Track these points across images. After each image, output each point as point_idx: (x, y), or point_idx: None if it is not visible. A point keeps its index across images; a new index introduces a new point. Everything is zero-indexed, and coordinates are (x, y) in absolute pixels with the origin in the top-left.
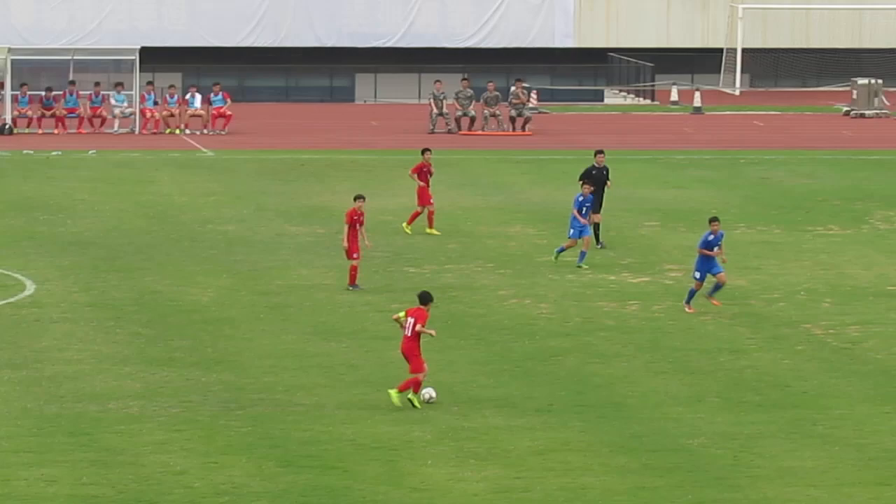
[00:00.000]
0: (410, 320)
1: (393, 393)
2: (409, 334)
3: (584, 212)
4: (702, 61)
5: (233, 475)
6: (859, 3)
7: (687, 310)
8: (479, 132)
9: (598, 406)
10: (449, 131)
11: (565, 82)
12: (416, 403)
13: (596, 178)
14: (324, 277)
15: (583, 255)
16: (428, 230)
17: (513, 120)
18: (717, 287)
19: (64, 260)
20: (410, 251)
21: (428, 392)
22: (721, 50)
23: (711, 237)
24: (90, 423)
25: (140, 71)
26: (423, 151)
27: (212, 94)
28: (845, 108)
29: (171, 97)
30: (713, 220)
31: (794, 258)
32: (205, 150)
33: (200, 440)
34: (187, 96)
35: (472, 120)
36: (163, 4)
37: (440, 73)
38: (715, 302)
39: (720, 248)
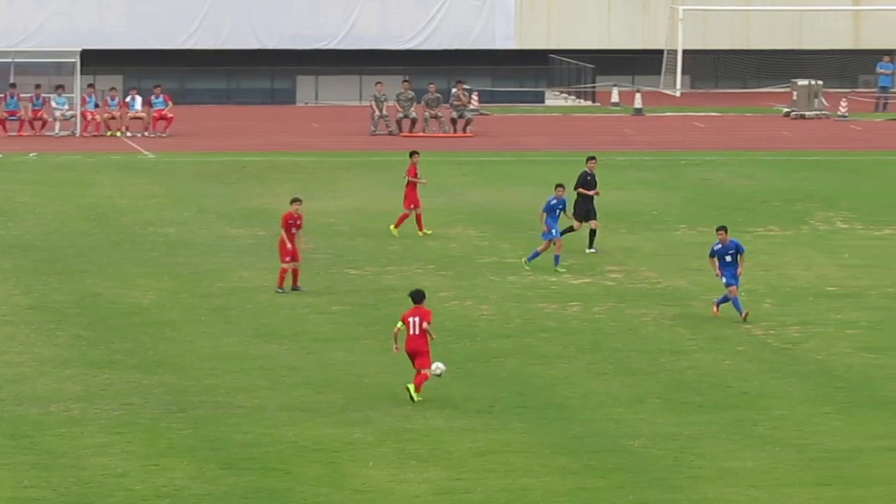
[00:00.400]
0: (416, 319)
1: (414, 394)
2: (417, 333)
3: (557, 214)
4: (642, 63)
5: (174, 477)
6: (799, 4)
7: (714, 311)
8: (421, 134)
9: (539, 407)
10: (390, 133)
11: (506, 84)
12: (415, 398)
13: (591, 185)
14: (265, 280)
15: (557, 257)
16: (419, 231)
17: (454, 122)
18: (726, 299)
19: (4, 263)
20: (351, 253)
21: (438, 367)
22: (662, 51)
23: (719, 247)
24: (31, 426)
25: (81, 73)
26: (412, 154)
27: (153, 97)
28: (785, 110)
29: (112, 100)
30: (719, 229)
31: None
32: (146, 152)
33: (141, 443)
34: (128, 99)
35: (414, 122)
36: (104, 7)
37: (381, 74)
38: (716, 311)
39: (741, 258)
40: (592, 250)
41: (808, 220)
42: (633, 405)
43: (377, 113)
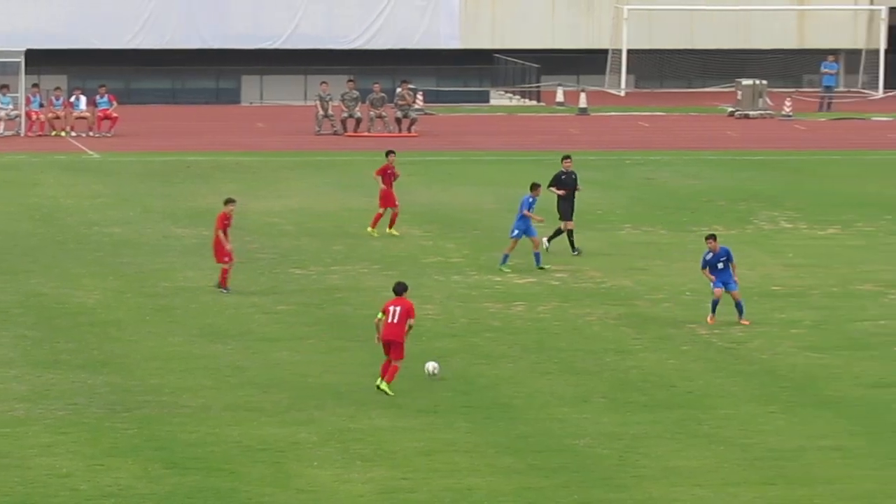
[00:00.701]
0: (396, 308)
1: (384, 385)
2: (396, 321)
3: (528, 210)
4: (587, 62)
5: (119, 477)
6: (743, 4)
7: (709, 321)
8: (365, 133)
9: (483, 407)
10: (335, 133)
11: (451, 84)
12: (389, 391)
13: (566, 183)
14: (210, 279)
15: (537, 256)
16: (388, 230)
17: (399, 121)
18: (738, 306)
19: None
20: (296, 253)
21: (431, 365)
22: (606, 51)
23: (710, 256)
24: None
25: (25, 73)
26: (388, 153)
27: (97, 97)
28: (730, 109)
29: (57, 99)
30: (708, 237)
31: (680, 259)
32: (91, 152)
33: (86, 442)
34: (73, 98)
35: (358, 121)
36: (49, 6)
37: (326, 74)
38: (744, 322)
39: (732, 265)
40: (576, 252)
41: (752, 220)
42: (578, 405)
43: (322, 112)
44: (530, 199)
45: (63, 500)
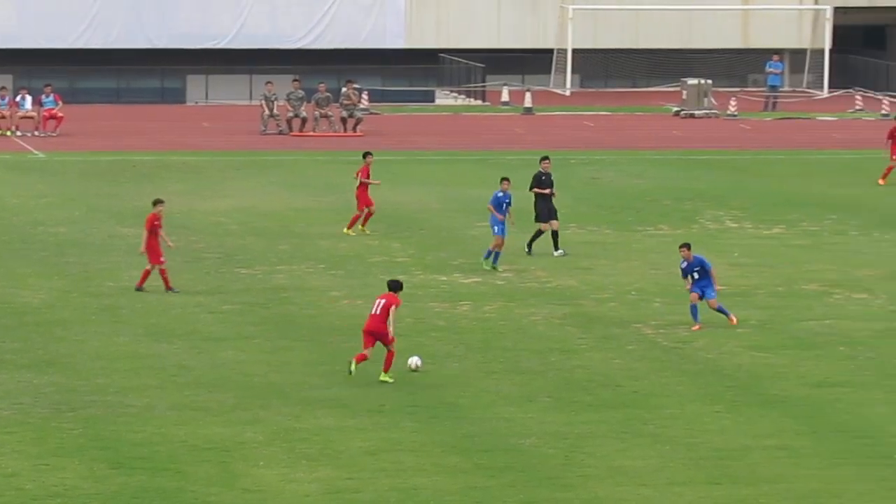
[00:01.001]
0: (382, 301)
1: (385, 377)
2: (378, 313)
3: (503, 208)
4: (532, 62)
5: (64, 477)
6: (688, 3)
7: (693, 328)
8: (311, 133)
9: (429, 406)
10: (280, 132)
11: (396, 83)
12: (389, 379)
13: (546, 184)
14: (155, 279)
15: (496, 255)
16: (360, 227)
17: (344, 121)
18: (720, 310)
19: None
20: (242, 252)
21: (414, 361)
22: (552, 51)
23: (685, 265)
24: None
25: None
26: (365, 155)
27: (43, 96)
28: (675, 109)
29: (2, 99)
30: (682, 246)
31: (625, 258)
32: (36, 151)
33: (32, 442)
34: (18, 98)
35: (304, 121)
36: None
37: (271, 74)
38: (732, 320)
39: (710, 273)
40: (560, 252)
41: (697, 219)
42: (524, 404)
43: (267, 112)
44: (500, 194)
45: (8, 499)
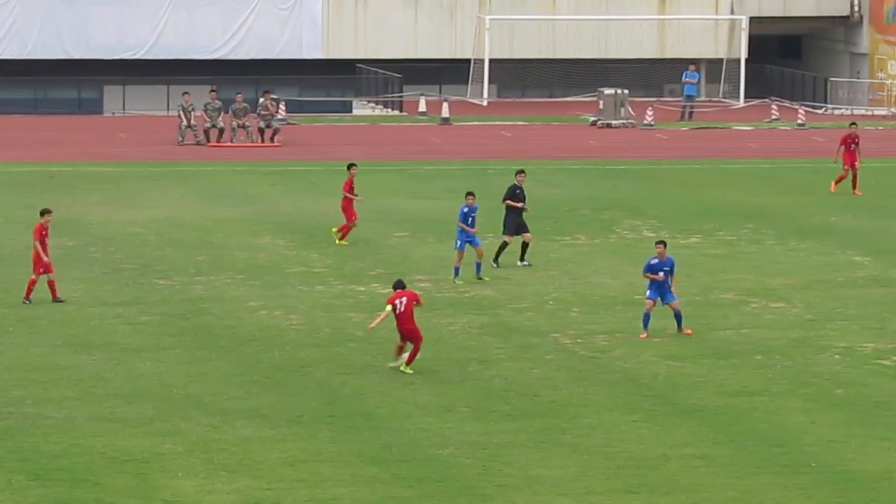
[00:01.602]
0: (404, 299)
1: (406, 369)
2: (404, 310)
3: (469, 222)
4: (449, 72)
5: None
6: (604, 14)
7: (641, 336)
8: (228, 144)
9: (348, 416)
10: (198, 143)
11: (314, 93)
12: (409, 370)
13: (520, 198)
14: (73, 290)
15: (478, 266)
16: (337, 240)
17: (261, 131)
18: (677, 316)
19: None
20: (160, 263)
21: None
22: (469, 61)
23: (655, 261)
24: None
25: None
26: (349, 167)
27: None
28: (592, 119)
29: None
30: (658, 243)
31: (543, 268)
32: None
33: None
34: None
35: (221, 132)
36: None
37: (189, 84)
38: (686, 331)
39: (672, 276)
40: (524, 263)
41: (615, 229)
42: (442, 414)
43: (184, 123)
44: (465, 209)
45: None
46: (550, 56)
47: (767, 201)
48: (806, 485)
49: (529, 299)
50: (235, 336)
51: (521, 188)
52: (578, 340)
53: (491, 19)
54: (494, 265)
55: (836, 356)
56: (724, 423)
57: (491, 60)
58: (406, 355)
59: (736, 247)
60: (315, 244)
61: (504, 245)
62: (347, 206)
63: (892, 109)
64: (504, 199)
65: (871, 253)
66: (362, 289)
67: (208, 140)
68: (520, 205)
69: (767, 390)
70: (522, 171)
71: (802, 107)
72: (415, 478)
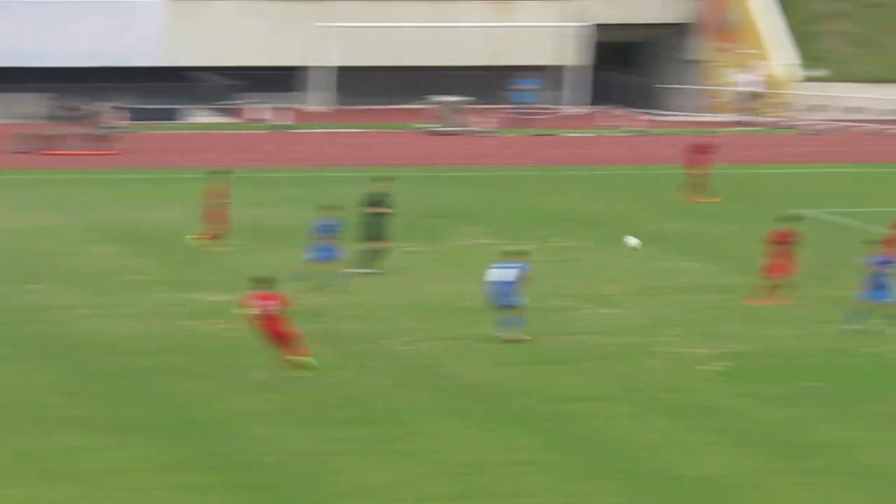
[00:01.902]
0: (269, 302)
1: (307, 360)
2: (269, 314)
3: (330, 235)
4: (289, 80)
5: None
6: (443, 21)
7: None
8: (64, 151)
9: (178, 424)
10: (32, 150)
11: (151, 101)
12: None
13: (380, 205)
14: None
15: (340, 277)
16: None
17: (98, 139)
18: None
19: None
20: None
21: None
22: (308, 68)
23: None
24: None
25: None
26: (221, 174)
27: None
28: (429, 126)
29: None
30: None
31: (378, 275)
32: None
33: None
34: None
35: (56, 139)
36: None
37: (24, 92)
38: (519, 337)
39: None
40: (369, 270)
41: (447, 236)
42: (272, 422)
43: (19, 130)
44: (325, 222)
45: None
46: (390, 63)
47: (603, 207)
48: (632, 490)
49: (362, 306)
50: (66, 344)
51: (381, 194)
52: (409, 347)
53: (331, 26)
54: (355, 275)
55: (667, 362)
56: (553, 428)
57: (331, 68)
58: (296, 358)
59: (569, 253)
60: (149, 252)
61: (367, 252)
62: (217, 214)
63: (728, 116)
64: (363, 206)
65: (705, 259)
66: (194, 296)
67: (43, 147)
68: (380, 211)
69: (599, 396)
70: (381, 179)
71: (640, 114)
72: (244, 486)
